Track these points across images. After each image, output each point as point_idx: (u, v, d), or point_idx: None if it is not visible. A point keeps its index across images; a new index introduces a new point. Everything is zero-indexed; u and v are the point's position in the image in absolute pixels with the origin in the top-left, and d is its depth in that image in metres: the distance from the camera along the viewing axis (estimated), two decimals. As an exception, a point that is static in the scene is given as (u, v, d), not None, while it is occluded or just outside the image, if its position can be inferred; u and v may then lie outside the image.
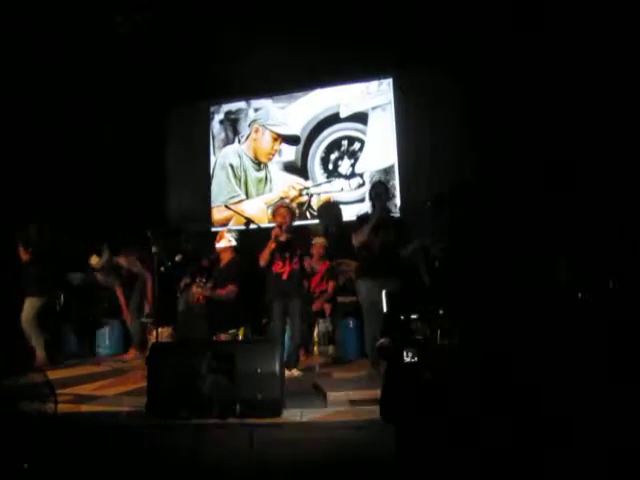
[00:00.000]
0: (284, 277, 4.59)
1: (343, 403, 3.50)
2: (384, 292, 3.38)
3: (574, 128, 5.42)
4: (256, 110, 7.81)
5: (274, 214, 4.79)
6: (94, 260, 5.80)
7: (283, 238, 4.58)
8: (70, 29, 5.87)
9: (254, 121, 7.77)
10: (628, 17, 4.99)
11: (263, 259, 4.62)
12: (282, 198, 7.27)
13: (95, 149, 7.03)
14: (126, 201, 7.06)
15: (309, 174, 7.47)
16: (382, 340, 3.42)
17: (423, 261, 4.95)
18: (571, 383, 2.40)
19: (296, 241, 4.73)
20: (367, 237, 4.35)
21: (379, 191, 4.59)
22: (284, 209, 4.75)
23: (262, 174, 7.65)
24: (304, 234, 5.48)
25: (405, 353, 2.77)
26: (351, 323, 5.24)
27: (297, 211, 4.79)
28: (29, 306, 5.20)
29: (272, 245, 4.58)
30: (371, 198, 4.64)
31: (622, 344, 2.74)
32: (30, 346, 5.15)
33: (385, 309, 3.36)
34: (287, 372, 4.32)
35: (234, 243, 4.98)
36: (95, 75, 6.53)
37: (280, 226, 4.62)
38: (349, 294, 5.65)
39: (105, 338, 5.90)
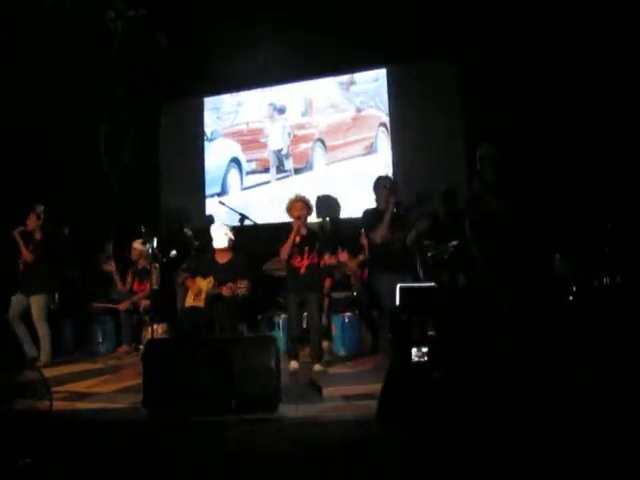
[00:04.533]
0: (302, 271, 4.53)
1: (338, 398, 3.52)
2: (398, 286, 3.33)
3: (574, 127, 5.42)
4: (249, 103, 7.76)
5: (289, 208, 4.65)
6: (138, 244, 5.72)
7: (303, 231, 4.53)
8: (64, 25, 5.83)
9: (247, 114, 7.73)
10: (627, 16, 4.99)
11: (284, 252, 4.52)
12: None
13: (90, 146, 6.99)
14: (121, 197, 7.04)
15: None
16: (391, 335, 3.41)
17: (418, 252, 4.93)
18: (571, 382, 2.41)
19: (314, 235, 4.69)
20: (388, 233, 4.31)
21: (392, 185, 4.50)
22: (300, 203, 4.62)
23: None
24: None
25: (414, 351, 2.72)
26: (347, 318, 5.25)
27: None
28: (38, 304, 5.12)
29: (297, 239, 4.49)
30: (377, 192, 4.55)
31: (619, 341, 2.75)
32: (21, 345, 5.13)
33: (397, 303, 3.32)
34: (314, 366, 4.39)
35: (231, 238, 4.88)
36: (89, 72, 6.49)
37: (299, 218, 4.52)
38: (344, 290, 5.65)
39: (99, 335, 5.88)
